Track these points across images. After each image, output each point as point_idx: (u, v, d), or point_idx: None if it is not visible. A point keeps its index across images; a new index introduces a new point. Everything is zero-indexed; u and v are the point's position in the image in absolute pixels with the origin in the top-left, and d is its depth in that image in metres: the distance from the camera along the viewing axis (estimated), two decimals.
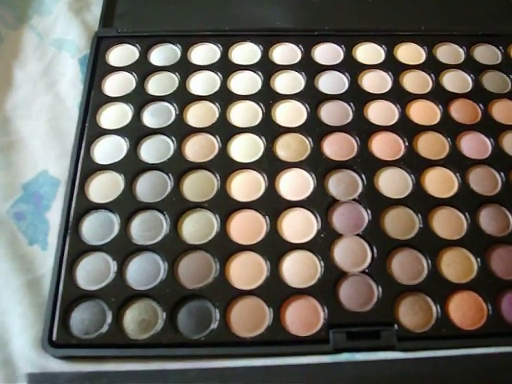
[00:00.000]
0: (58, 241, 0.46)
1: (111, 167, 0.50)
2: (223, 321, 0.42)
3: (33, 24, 0.62)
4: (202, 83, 0.56)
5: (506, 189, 0.49)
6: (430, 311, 0.43)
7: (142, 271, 0.45)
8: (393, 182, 0.50)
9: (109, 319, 0.43)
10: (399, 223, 0.47)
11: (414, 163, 0.51)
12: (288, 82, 0.56)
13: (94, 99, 0.55)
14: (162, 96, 0.55)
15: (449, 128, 0.53)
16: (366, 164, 0.50)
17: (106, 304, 0.43)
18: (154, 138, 0.52)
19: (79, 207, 0.48)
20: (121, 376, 0.40)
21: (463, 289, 0.44)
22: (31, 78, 0.58)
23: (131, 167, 0.50)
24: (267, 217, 0.47)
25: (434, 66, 0.58)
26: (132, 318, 0.43)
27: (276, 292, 0.44)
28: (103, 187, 0.49)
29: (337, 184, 0.50)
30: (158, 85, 0.56)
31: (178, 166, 0.50)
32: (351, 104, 0.55)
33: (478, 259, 0.46)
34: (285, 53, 0.59)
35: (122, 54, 0.58)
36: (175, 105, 0.54)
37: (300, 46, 0.59)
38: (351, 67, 0.58)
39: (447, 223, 0.48)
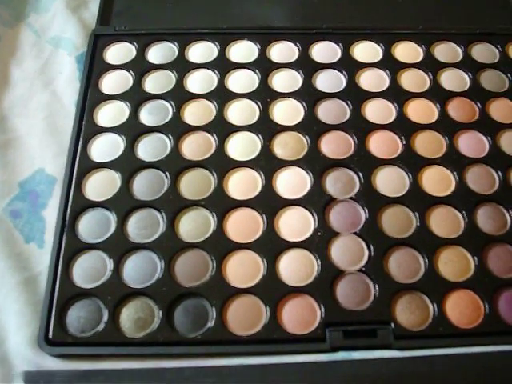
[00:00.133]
0: (54, 239, 0.46)
1: (108, 165, 0.50)
2: (220, 319, 0.42)
3: (30, 22, 0.62)
4: (200, 81, 0.56)
5: (503, 187, 0.49)
6: (427, 310, 0.43)
7: (138, 269, 0.45)
8: (390, 181, 0.50)
9: (105, 317, 0.42)
10: (396, 222, 0.47)
11: (412, 162, 0.51)
12: (285, 81, 0.56)
13: (90, 97, 0.55)
14: (159, 94, 0.55)
15: (446, 126, 0.53)
16: (364, 162, 0.50)
17: (102, 302, 0.43)
18: (151, 136, 0.52)
19: (76, 205, 0.48)
20: (117, 374, 0.40)
21: (460, 287, 0.44)
22: (28, 75, 0.58)
23: (128, 165, 0.50)
24: (264, 215, 0.47)
25: (431, 65, 0.58)
26: (128, 316, 0.43)
27: (273, 290, 0.44)
28: (100, 185, 0.49)
29: (334, 182, 0.49)
30: (155, 83, 0.56)
31: (175, 164, 0.50)
32: (349, 102, 0.55)
33: (475, 258, 0.46)
34: (282, 51, 0.59)
35: (119, 52, 0.58)
36: (172, 103, 0.54)
37: (297, 44, 0.59)
38: (349, 65, 0.57)
39: (444, 222, 0.48)
